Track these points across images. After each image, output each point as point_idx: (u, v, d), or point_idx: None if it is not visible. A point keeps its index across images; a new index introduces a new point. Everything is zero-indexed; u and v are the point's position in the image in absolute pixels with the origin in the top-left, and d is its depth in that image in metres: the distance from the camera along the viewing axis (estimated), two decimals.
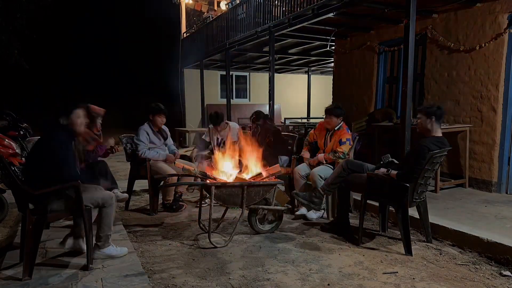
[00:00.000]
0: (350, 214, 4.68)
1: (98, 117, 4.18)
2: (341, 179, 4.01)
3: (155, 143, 4.93)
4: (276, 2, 7.43)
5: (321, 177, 4.40)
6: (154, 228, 4.24)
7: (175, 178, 4.65)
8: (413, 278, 2.96)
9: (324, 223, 4.25)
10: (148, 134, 4.88)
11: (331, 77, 8.84)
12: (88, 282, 2.78)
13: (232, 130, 5.52)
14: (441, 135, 3.58)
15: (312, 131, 4.97)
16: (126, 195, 4.44)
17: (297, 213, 4.64)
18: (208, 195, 3.90)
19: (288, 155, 5.16)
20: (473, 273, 3.04)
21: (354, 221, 4.43)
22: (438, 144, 3.44)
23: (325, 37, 8.00)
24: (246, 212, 3.93)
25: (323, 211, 4.57)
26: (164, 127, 5.08)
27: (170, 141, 5.21)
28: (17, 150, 6.57)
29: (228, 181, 3.88)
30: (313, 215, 4.53)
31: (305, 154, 4.87)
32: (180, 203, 4.92)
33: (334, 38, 8.12)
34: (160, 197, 4.97)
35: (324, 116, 4.74)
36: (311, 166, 4.68)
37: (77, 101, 3.77)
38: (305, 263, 3.24)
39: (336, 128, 4.62)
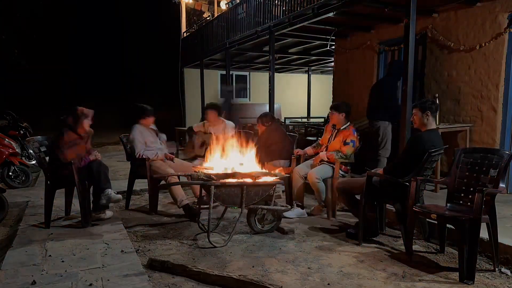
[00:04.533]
0: (349, 213, 4.70)
1: (85, 117, 4.21)
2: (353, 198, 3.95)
3: (151, 139, 4.90)
4: (276, 1, 7.43)
5: (317, 178, 4.43)
6: (154, 227, 4.24)
7: (175, 177, 4.64)
8: (414, 277, 2.96)
9: (350, 230, 3.96)
10: (142, 132, 4.84)
11: (331, 76, 8.83)
12: (89, 281, 2.78)
13: (227, 128, 5.60)
14: (435, 127, 3.62)
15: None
16: (119, 196, 4.25)
17: (285, 214, 4.43)
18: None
19: (289, 156, 5.16)
20: None
21: (354, 220, 4.44)
22: (433, 137, 3.47)
23: (325, 36, 7.99)
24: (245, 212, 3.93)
25: (302, 210, 4.60)
26: (152, 125, 5.05)
27: (162, 136, 5.13)
28: (17, 150, 6.58)
29: (228, 180, 3.87)
30: (291, 214, 4.50)
31: (303, 151, 4.90)
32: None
33: (334, 38, 8.11)
34: (170, 200, 4.94)
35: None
36: (312, 166, 4.69)
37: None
38: (305, 263, 3.24)
39: (342, 128, 4.62)
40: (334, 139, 4.65)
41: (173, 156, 5.04)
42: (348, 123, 4.63)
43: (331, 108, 4.72)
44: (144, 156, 4.73)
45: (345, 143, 4.48)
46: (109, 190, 4.16)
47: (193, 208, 4.49)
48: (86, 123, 4.25)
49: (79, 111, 4.22)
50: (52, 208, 4.20)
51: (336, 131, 4.68)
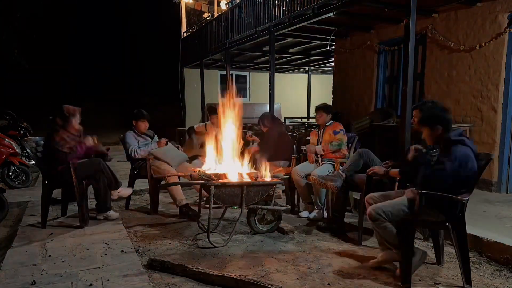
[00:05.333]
0: (350, 213, 4.70)
1: (73, 116, 4.19)
2: (354, 166, 3.98)
3: (142, 142, 4.97)
4: (276, 1, 7.42)
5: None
6: (154, 227, 4.24)
7: (175, 177, 4.65)
8: (414, 277, 2.96)
9: (320, 223, 4.19)
10: (135, 137, 4.94)
11: (332, 76, 8.84)
12: (89, 281, 2.78)
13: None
14: None
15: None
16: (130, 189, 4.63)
17: (300, 214, 4.68)
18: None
19: (289, 156, 5.15)
20: (473, 272, 3.03)
21: (354, 220, 4.44)
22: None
23: (325, 36, 8.00)
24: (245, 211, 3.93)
25: (317, 210, 4.61)
26: (148, 130, 5.10)
27: (156, 138, 5.15)
28: (17, 150, 6.58)
29: (228, 180, 3.87)
30: (308, 214, 4.63)
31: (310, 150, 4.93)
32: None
33: (334, 38, 8.12)
34: (170, 200, 4.90)
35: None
36: (316, 163, 4.71)
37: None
38: (305, 263, 3.24)
39: (327, 124, 4.77)
40: (322, 137, 4.76)
41: (165, 141, 5.00)
42: (332, 121, 4.81)
43: (320, 108, 4.79)
44: (140, 155, 4.78)
45: (335, 133, 4.63)
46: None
47: (192, 209, 4.55)
48: (75, 122, 4.22)
49: (65, 111, 4.16)
50: (50, 207, 4.21)
51: (322, 130, 4.81)
